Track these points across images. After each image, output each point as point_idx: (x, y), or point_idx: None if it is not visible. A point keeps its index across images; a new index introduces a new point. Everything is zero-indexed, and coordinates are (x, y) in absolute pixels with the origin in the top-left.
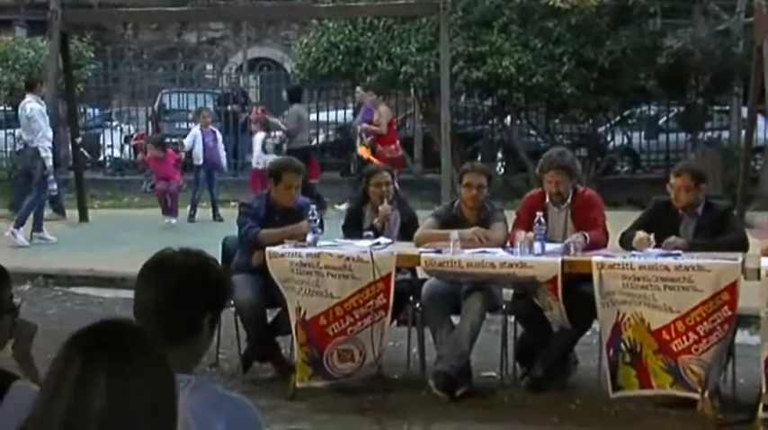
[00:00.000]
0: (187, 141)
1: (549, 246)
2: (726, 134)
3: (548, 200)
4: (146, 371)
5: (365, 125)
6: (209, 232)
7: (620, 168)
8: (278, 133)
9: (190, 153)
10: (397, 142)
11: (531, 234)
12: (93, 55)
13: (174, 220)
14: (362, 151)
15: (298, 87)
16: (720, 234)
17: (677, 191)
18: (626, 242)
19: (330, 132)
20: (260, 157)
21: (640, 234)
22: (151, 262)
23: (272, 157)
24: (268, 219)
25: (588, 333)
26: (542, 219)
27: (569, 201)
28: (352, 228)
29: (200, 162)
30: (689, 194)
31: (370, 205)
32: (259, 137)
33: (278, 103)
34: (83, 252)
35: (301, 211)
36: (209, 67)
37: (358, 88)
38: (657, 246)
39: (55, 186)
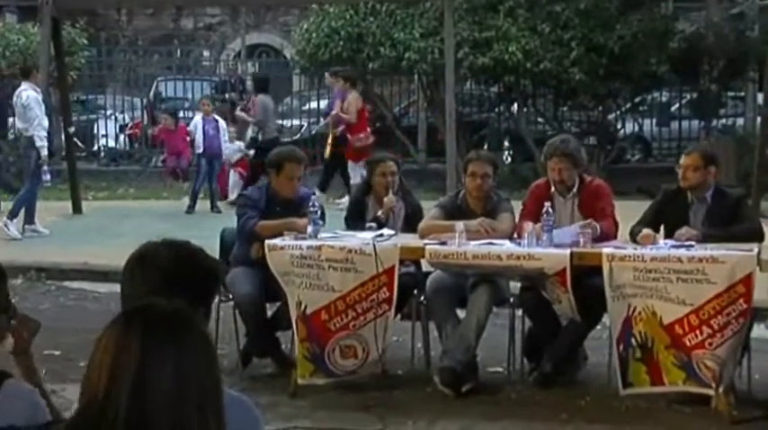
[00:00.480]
0: (191, 129)
1: (559, 233)
2: (740, 121)
3: (553, 189)
4: (202, 344)
5: (334, 112)
6: (207, 225)
7: (630, 157)
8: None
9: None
10: (368, 130)
11: (538, 225)
12: (86, 41)
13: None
14: (330, 141)
15: (265, 77)
16: (733, 223)
17: (685, 169)
18: (633, 238)
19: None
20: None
21: (645, 231)
22: (135, 255)
23: (232, 147)
24: (268, 210)
25: (598, 327)
26: (550, 210)
27: (575, 190)
28: (355, 220)
29: (201, 150)
30: (696, 174)
31: (373, 195)
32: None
33: (277, 91)
34: (77, 245)
35: (302, 203)
36: (206, 53)
37: (327, 74)
38: (669, 237)
39: (48, 177)
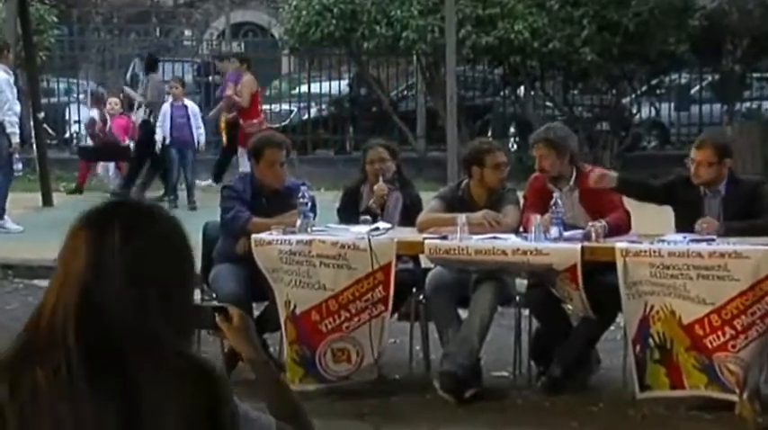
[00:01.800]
0: (160, 119)
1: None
2: (766, 104)
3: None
4: (160, 226)
5: (227, 94)
6: (189, 219)
7: (647, 143)
8: (140, 108)
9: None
10: (262, 116)
11: (546, 216)
12: (56, 19)
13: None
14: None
15: (155, 56)
16: (751, 213)
17: (697, 166)
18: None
19: (323, 106)
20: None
21: (708, 219)
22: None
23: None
24: (254, 202)
25: (612, 328)
26: (559, 201)
27: (572, 182)
28: (349, 212)
29: (168, 140)
30: (710, 170)
31: (368, 185)
32: (95, 114)
33: (264, 73)
34: (47, 240)
35: (291, 194)
36: (187, 32)
37: (216, 62)
38: (680, 229)
39: (20, 166)
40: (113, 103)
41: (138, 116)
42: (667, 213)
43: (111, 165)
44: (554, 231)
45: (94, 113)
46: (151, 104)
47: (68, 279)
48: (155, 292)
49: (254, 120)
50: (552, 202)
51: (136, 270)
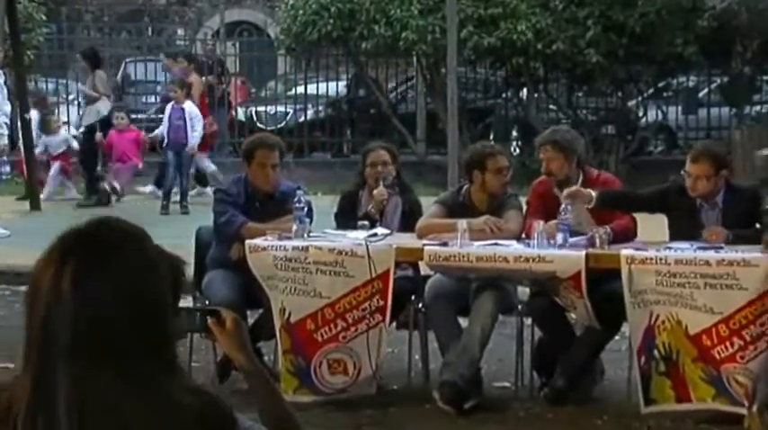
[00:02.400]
0: (156, 133)
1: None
2: None
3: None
4: (119, 267)
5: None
6: (181, 224)
7: (653, 148)
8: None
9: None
10: (210, 117)
11: (550, 223)
12: (44, 17)
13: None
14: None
15: (96, 51)
16: (755, 220)
17: (694, 180)
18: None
19: (320, 107)
20: (40, 140)
21: (715, 229)
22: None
23: (56, 139)
24: (247, 206)
25: (617, 338)
26: (569, 207)
27: (579, 186)
28: (347, 217)
29: (166, 143)
30: (708, 184)
31: (367, 189)
32: (35, 116)
33: (260, 74)
34: (34, 245)
35: (285, 198)
36: (180, 32)
37: (162, 55)
38: (675, 238)
39: (8, 169)
40: (120, 117)
41: (90, 116)
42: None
43: (56, 166)
44: (560, 237)
45: (33, 115)
46: (95, 101)
47: (32, 314)
48: (107, 345)
49: (204, 122)
50: (561, 208)
51: (86, 317)
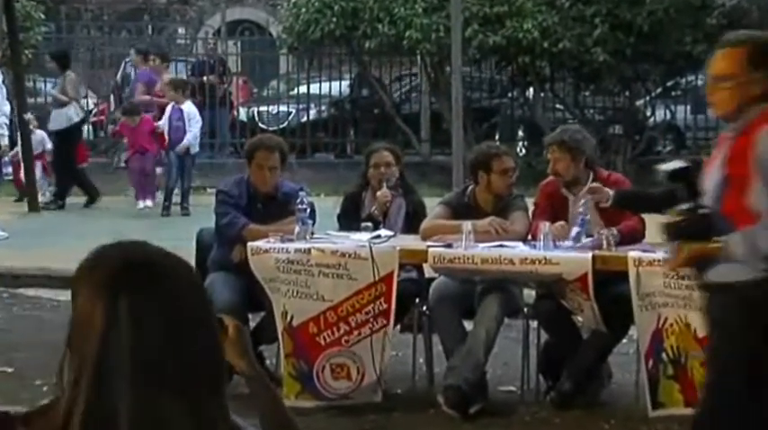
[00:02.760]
0: (159, 124)
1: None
2: None
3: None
4: (173, 296)
5: (147, 98)
6: (182, 226)
7: (661, 148)
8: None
9: None
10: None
11: (556, 224)
12: (43, 16)
13: (150, 204)
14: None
15: (65, 51)
16: None
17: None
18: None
19: (323, 107)
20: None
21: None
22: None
23: (33, 139)
24: (249, 208)
25: (624, 341)
26: (587, 203)
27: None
28: (350, 219)
29: (166, 144)
30: None
31: (370, 191)
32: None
33: (261, 73)
34: (33, 247)
35: (288, 199)
36: (181, 30)
37: (132, 51)
38: None
39: (10, 169)
40: (30, 120)
41: (58, 121)
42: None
43: (38, 166)
44: (574, 232)
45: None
46: (78, 100)
47: (85, 343)
48: (167, 376)
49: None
50: (581, 202)
51: (145, 347)
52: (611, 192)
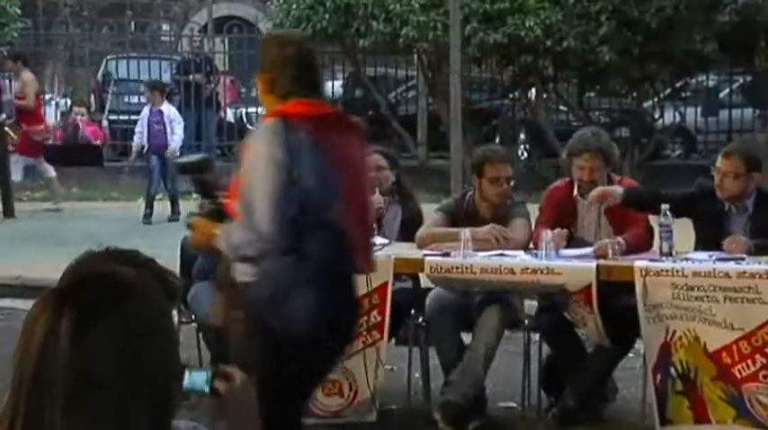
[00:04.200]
0: (138, 126)
1: (575, 250)
2: None
3: (576, 192)
4: (116, 329)
5: (16, 101)
6: (166, 232)
7: (671, 152)
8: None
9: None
10: (48, 122)
11: (558, 231)
12: (19, 11)
13: None
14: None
15: (20, 52)
16: None
17: (722, 176)
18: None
19: None
20: None
21: (738, 237)
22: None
23: None
24: None
25: (630, 355)
26: (668, 213)
27: None
28: None
29: (146, 148)
30: (737, 182)
31: None
32: None
33: (250, 72)
34: (8, 255)
35: None
36: (165, 27)
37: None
38: (700, 246)
39: None
40: (79, 112)
41: None
42: (692, 229)
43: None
44: (665, 246)
45: None
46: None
47: (24, 360)
48: (102, 401)
49: (41, 126)
50: (661, 215)
51: (81, 371)
52: (619, 190)
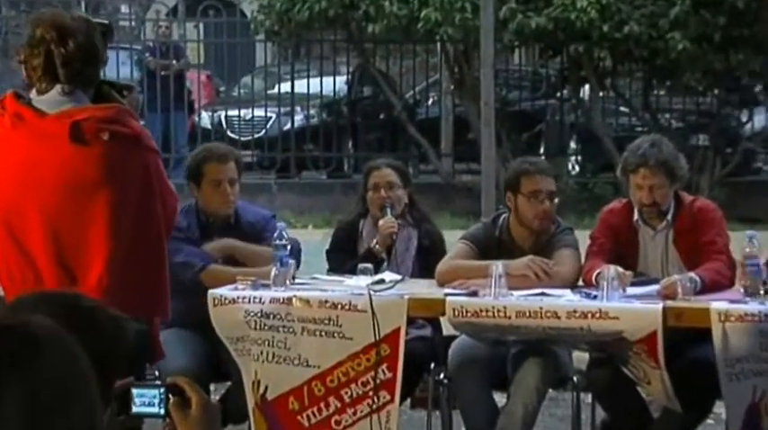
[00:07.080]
0: None
1: (636, 289)
2: None
3: (636, 216)
4: (18, 395)
5: None
6: None
7: (762, 164)
8: None
9: None
10: None
11: (625, 272)
12: None
13: None
14: None
15: None
16: None
17: None
18: None
19: (312, 111)
20: None
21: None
22: None
23: None
24: (203, 243)
25: (710, 421)
26: (754, 241)
27: (670, 217)
28: (343, 257)
29: None
30: None
31: (370, 219)
32: None
33: (231, 66)
34: None
35: (255, 231)
36: (124, 9)
37: None
38: None
39: None
40: None
41: None
42: None
43: None
44: (752, 284)
45: None
46: None
47: None
48: None
49: None
50: (746, 243)
51: None
52: (696, 277)
